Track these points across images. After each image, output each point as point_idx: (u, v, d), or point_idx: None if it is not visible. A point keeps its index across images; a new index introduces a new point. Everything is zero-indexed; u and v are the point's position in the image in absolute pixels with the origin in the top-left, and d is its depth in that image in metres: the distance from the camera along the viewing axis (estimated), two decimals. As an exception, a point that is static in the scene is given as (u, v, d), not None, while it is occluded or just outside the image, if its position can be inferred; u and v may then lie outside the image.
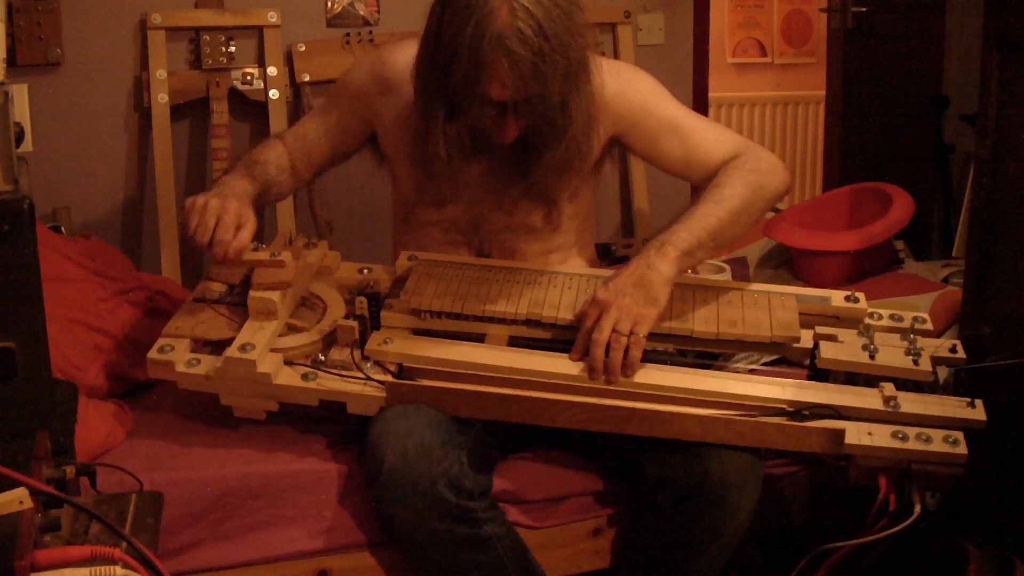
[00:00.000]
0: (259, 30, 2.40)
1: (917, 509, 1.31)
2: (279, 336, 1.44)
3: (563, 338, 1.46)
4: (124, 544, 0.97)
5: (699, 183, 1.58)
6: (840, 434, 1.32)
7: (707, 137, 1.57)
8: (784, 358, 1.63)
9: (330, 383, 1.38)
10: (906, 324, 1.54)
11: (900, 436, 1.31)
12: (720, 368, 1.52)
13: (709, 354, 1.53)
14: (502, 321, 1.47)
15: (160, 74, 2.30)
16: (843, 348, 1.45)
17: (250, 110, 2.43)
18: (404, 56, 1.53)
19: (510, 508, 1.45)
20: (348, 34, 2.47)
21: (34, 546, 0.90)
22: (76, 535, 0.99)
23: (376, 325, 1.48)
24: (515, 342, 1.46)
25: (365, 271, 1.62)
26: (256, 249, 1.47)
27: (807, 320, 1.52)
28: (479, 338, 1.46)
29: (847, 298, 1.55)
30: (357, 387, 1.38)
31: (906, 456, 1.31)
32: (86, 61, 2.30)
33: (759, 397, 1.36)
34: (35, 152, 2.11)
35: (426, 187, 1.57)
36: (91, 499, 1.09)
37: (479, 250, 1.63)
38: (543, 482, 1.48)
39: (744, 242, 2.36)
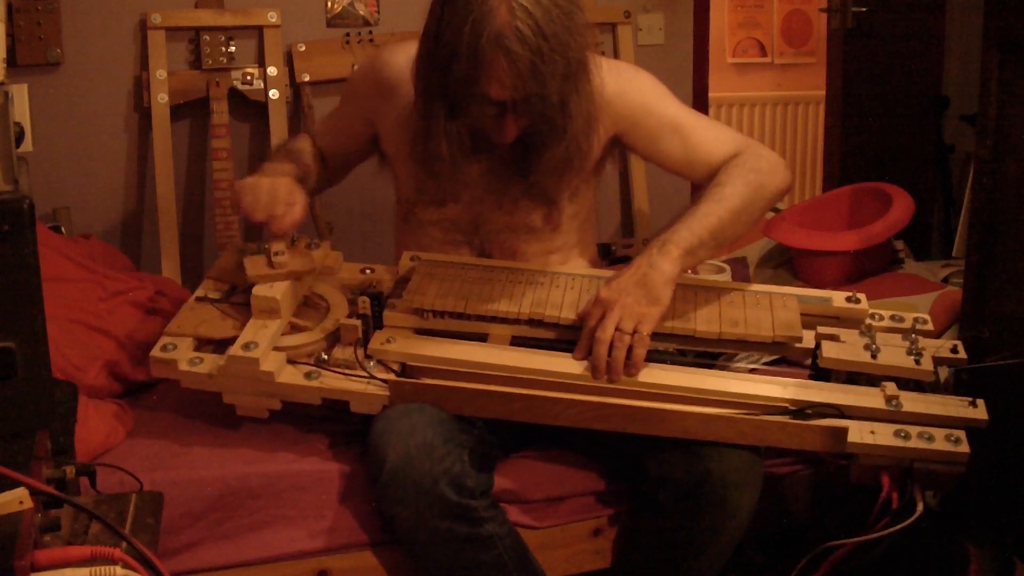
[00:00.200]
0: (259, 30, 2.40)
1: (920, 508, 1.31)
2: (282, 335, 1.44)
3: (566, 338, 1.46)
4: (124, 544, 0.97)
5: (700, 182, 1.58)
6: (843, 432, 1.32)
7: (708, 136, 1.57)
8: (783, 358, 1.63)
9: (333, 381, 1.38)
10: (907, 325, 1.54)
11: (903, 435, 1.32)
12: (721, 368, 1.52)
13: (709, 354, 1.53)
14: (505, 321, 1.47)
15: (160, 74, 2.30)
16: (845, 348, 1.45)
17: (250, 110, 2.43)
18: (404, 56, 1.53)
19: (511, 508, 1.45)
20: (348, 34, 2.47)
21: (34, 546, 0.90)
22: (76, 535, 0.99)
23: (379, 325, 1.48)
24: (517, 342, 1.46)
25: (367, 271, 1.62)
26: (259, 249, 1.49)
27: (808, 321, 1.52)
28: (481, 338, 1.46)
29: (848, 299, 1.55)
30: (360, 385, 1.38)
31: (909, 455, 1.31)
32: (86, 61, 2.29)
33: (761, 396, 1.36)
34: (35, 152, 2.11)
35: (426, 186, 1.58)
36: (91, 499, 1.09)
37: (480, 250, 1.63)
38: (544, 482, 1.48)
39: (744, 242, 2.36)
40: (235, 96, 2.39)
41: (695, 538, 1.37)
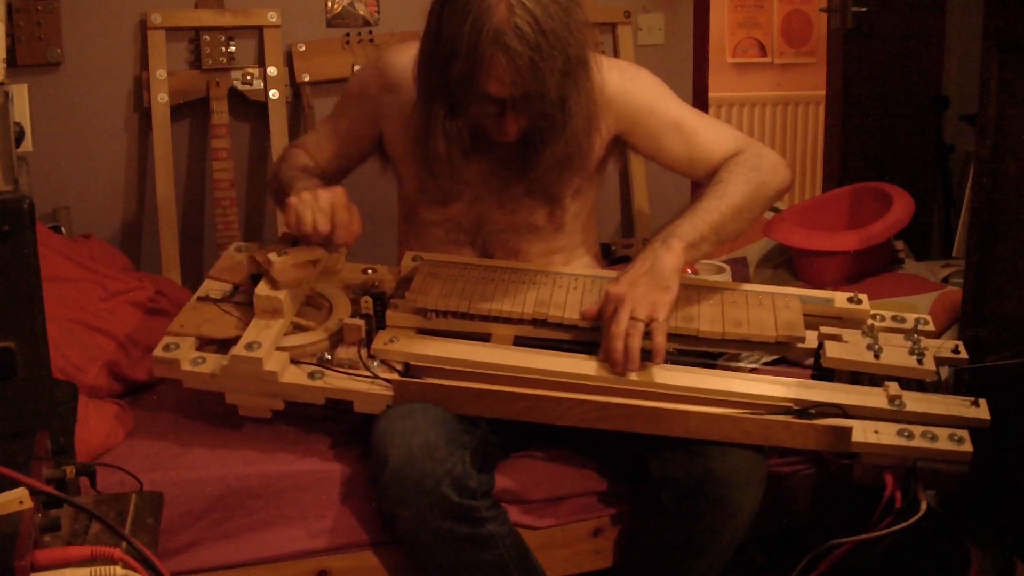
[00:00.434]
0: (259, 30, 2.40)
1: (923, 507, 1.31)
2: (285, 335, 1.43)
3: (569, 338, 1.46)
4: (124, 544, 0.97)
5: (701, 180, 1.58)
6: (847, 432, 1.32)
7: (710, 135, 1.57)
8: (783, 358, 1.63)
9: (337, 381, 1.38)
10: (909, 325, 1.54)
11: (906, 434, 1.32)
12: (723, 368, 1.52)
13: (710, 354, 1.53)
14: (508, 321, 1.47)
15: (160, 74, 2.30)
16: (848, 348, 1.45)
17: (250, 110, 2.43)
18: (406, 56, 1.53)
19: (511, 508, 1.45)
20: (348, 34, 2.47)
21: (34, 546, 0.90)
22: (76, 535, 0.99)
23: (381, 325, 1.47)
24: (520, 342, 1.46)
25: (370, 271, 1.62)
26: (261, 248, 1.49)
27: (810, 321, 1.52)
28: (484, 338, 1.46)
29: (850, 299, 1.55)
30: (364, 385, 1.38)
31: (912, 454, 1.31)
32: (86, 61, 2.29)
33: (765, 396, 1.36)
34: (35, 152, 2.11)
35: (428, 186, 1.58)
36: (91, 499, 1.08)
37: (482, 250, 1.63)
38: (544, 482, 1.48)
39: (744, 242, 2.36)
40: (235, 96, 2.39)
41: (696, 538, 1.37)
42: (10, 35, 2.19)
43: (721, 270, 1.95)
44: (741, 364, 1.64)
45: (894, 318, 1.55)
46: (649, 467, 1.38)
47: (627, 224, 2.82)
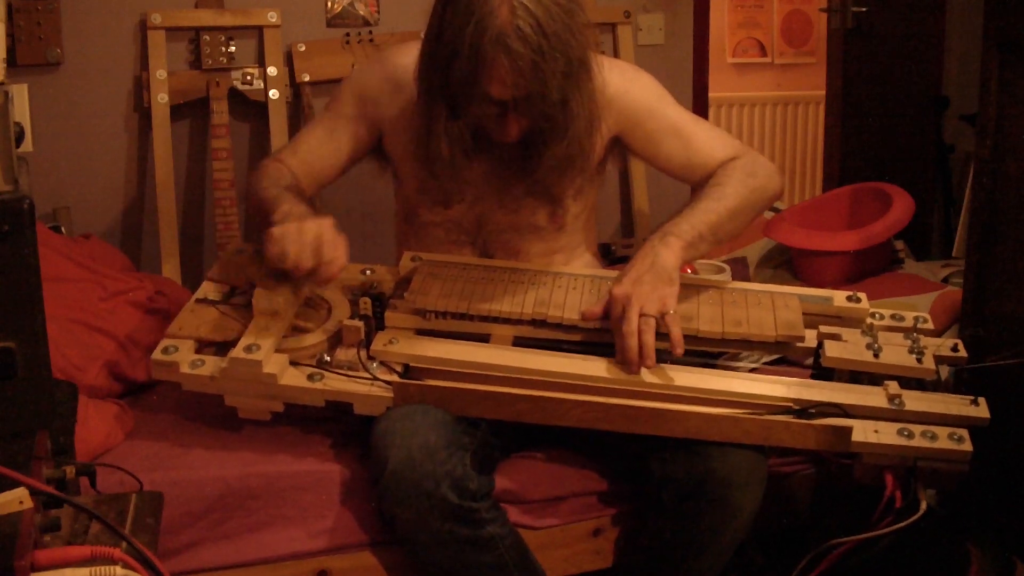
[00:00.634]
0: (259, 30, 2.40)
1: (923, 507, 1.31)
2: (284, 337, 1.43)
3: (568, 338, 1.46)
4: (124, 544, 0.97)
5: (696, 184, 1.59)
6: (847, 431, 1.32)
7: (707, 140, 1.59)
8: (783, 358, 1.63)
9: (336, 383, 1.38)
10: (908, 324, 1.54)
11: (906, 433, 1.32)
12: (722, 368, 1.52)
13: (710, 354, 1.53)
14: (507, 321, 1.47)
15: (160, 74, 2.30)
16: (848, 347, 1.45)
17: (250, 110, 2.43)
18: (407, 57, 1.52)
19: (511, 508, 1.44)
20: (348, 34, 2.47)
21: (34, 546, 0.90)
22: (76, 535, 0.99)
23: (380, 326, 1.47)
24: (520, 342, 1.46)
25: (368, 272, 1.62)
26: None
27: (810, 320, 1.52)
28: (484, 338, 1.46)
29: (849, 298, 1.56)
30: (364, 387, 1.38)
31: (912, 453, 1.31)
32: (86, 61, 2.29)
33: (765, 396, 1.36)
34: (35, 152, 2.11)
35: (430, 187, 1.57)
36: (91, 499, 1.08)
37: (482, 250, 1.63)
38: (544, 482, 1.48)
39: (744, 242, 2.36)
40: (235, 96, 2.39)
41: (697, 538, 1.37)
42: (10, 35, 2.19)
43: (721, 270, 1.95)
44: (741, 364, 1.64)
45: (893, 316, 1.56)
46: (650, 467, 1.38)
47: (627, 224, 2.82)
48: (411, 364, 1.41)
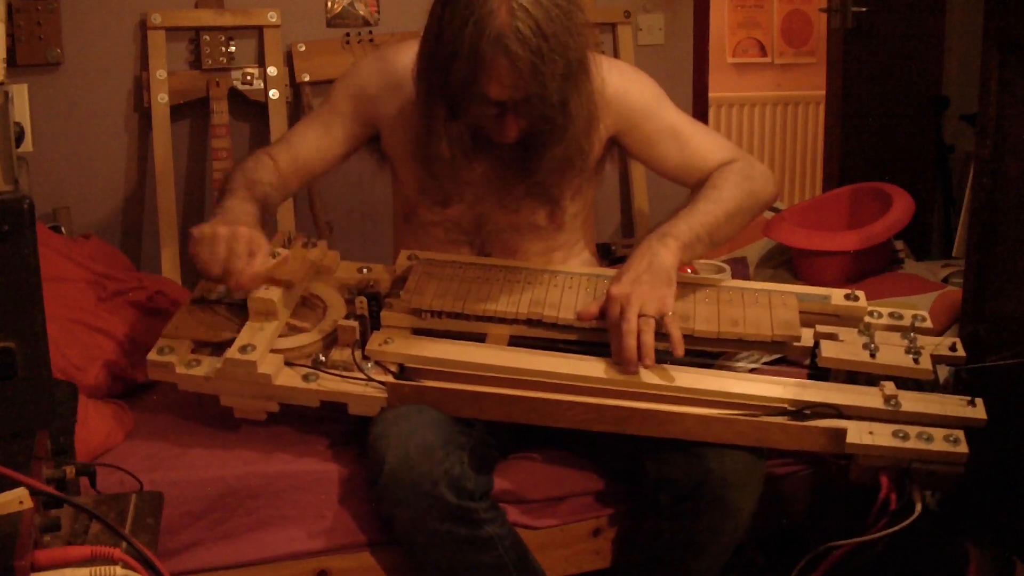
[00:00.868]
0: (259, 30, 2.40)
1: (918, 508, 1.31)
2: (279, 337, 1.43)
3: (564, 338, 1.46)
4: (124, 544, 0.97)
5: (692, 187, 1.60)
6: (842, 433, 1.32)
7: (704, 143, 1.59)
8: (784, 357, 1.63)
9: (331, 384, 1.38)
10: (906, 323, 1.54)
11: (901, 435, 1.31)
12: (721, 368, 1.52)
13: (709, 353, 1.53)
14: (503, 321, 1.47)
15: (160, 74, 2.30)
16: (844, 347, 1.45)
17: (250, 110, 2.43)
18: (406, 56, 1.52)
19: (510, 508, 1.45)
20: (348, 34, 2.47)
21: (34, 546, 0.90)
22: (76, 535, 0.99)
23: (376, 325, 1.47)
24: (515, 342, 1.46)
25: (365, 271, 1.62)
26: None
27: (807, 319, 1.52)
28: (480, 338, 1.46)
29: (847, 297, 1.55)
30: (358, 388, 1.38)
31: (907, 455, 1.31)
32: (86, 61, 2.30)
33: (760, 396, 1.36)
34: (35, 152, 2.11)
35: (429, 187, 1.57)
36: (91, 499, 1.08)
37: (481, 249, 1.63)
38: (543, 482, 1.48)
39: (744, 242, 2.36)
40: (235, 96, 2.39)
41: (695, 539, 1.37)
42: (10, 35, 2.19)
43: (721, 269, 1.95)
44: (740, 364, 1.64)
45: (892, 315, 1.55)
46: (646, 468, 1.38)
47: (627, 224, 2.82)
48: (406, 364, 1.41)
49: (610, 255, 2.59)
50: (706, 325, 1.44)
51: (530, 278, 1.53)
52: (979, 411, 1.35)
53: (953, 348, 1.48)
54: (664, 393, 1.36)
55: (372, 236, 2.50)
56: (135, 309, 1.70)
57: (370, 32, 2.49)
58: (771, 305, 1.49)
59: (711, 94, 2.98)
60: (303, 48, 2.43)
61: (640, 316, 1.35)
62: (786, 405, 1.35)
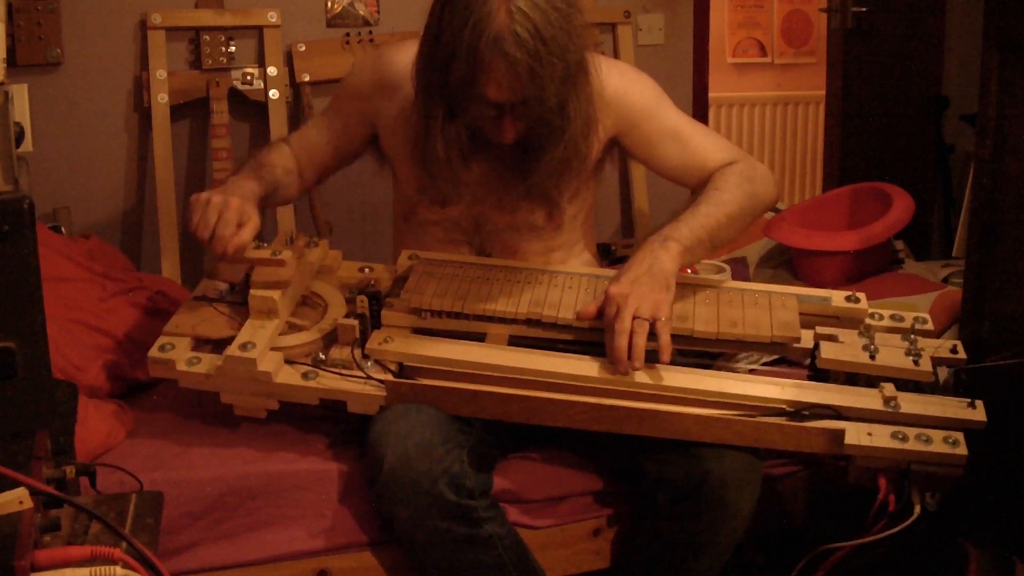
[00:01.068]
0: (259, 30, 2.40)
1: (917, 510, 1.31)
2: (280, 335, 1.44)
3: (563, 338, 1.46)
4: (124, 544, 0.97)
5: (693, 188, 1.60)
6: (840, 434, 1.32)
7: (705, 144, 1.59)
8: (784, 358, 1.63)
9: (330, 382, 1.38)
10: (907, 324, 1.54)
11: (900, 437, 1.31)
12: (720, 368, 1.52)
13: (709, 354, 1.53)
14: (503, 320, 1.47)
15: (160, 74, 2.30)
16: (844, 348, 1.45)
17: (250, 110, 2.43)
18: (405, 56, 1.53)
19: (510, 508, 1.45)
20: (348, 34, 2.47)
21: (34, 546, 0.90)
22: (76, 535, 0.99)
23: (377, 324, 1.48)
24: (515, 342, 1.46)
25: (366, 270, 1.62)
26: (258, 248, 1.48)
27: (807, 320, 1.52)
28: (479, 337, 1.46)
29: (848, 298, 1.55)
30: (357, 386, 1.38)
31: (906, 457, 1.31)
32: (86, 61, 2.30)
33: (759, 397, 1.36)
34: (35, 152, 2.11)
35: (427, 186, 1.57)
36: (91, 499, 1.09)
37: (480, 249, 1.63)
38: (543, 482, 1.48)
39: (744, 242, 2.36)
40: (235, 96, 2.39)
41: (694, 539, 1.37)
42: (10, 35, 2.19)
43: (721, 270, 1.95)
44: (740, 364, 1.64)
45: (892, 317, 1.55)
46: (645, 468, 1.38)
47: (627, 224, 2.82)
48: (405, 363, 1.41)
49: (610, 255, 2.59)
50: (706, 326, 1.44)
51: (530, 278, 1.53)
52: (979, 413, 1.35)
53: (954, 350, 1.48)
54: (663, 393, 1.36)
55: (372, 236, 2.50)
56: (135, 309, 1.70)
57: (370, 32, 2.49)
58: (771, 306, 1.49)
59: (711, 94, 2.98)
60: (303, 48, 2.43)
61: (635, 318, 1.35)
62: (784, 406, 1.35)
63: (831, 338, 1.48)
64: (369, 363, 1.40)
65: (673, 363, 1.42)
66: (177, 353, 1.41)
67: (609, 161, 1.66)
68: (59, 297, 1.56)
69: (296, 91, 2.45)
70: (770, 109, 4.06)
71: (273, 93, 2.40)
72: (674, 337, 1.44)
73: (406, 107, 1.54)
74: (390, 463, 1.30)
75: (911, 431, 1.32)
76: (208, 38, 2.34)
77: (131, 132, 2.38)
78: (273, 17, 2.39)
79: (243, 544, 1.40)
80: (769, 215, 2.27)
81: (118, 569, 0.91)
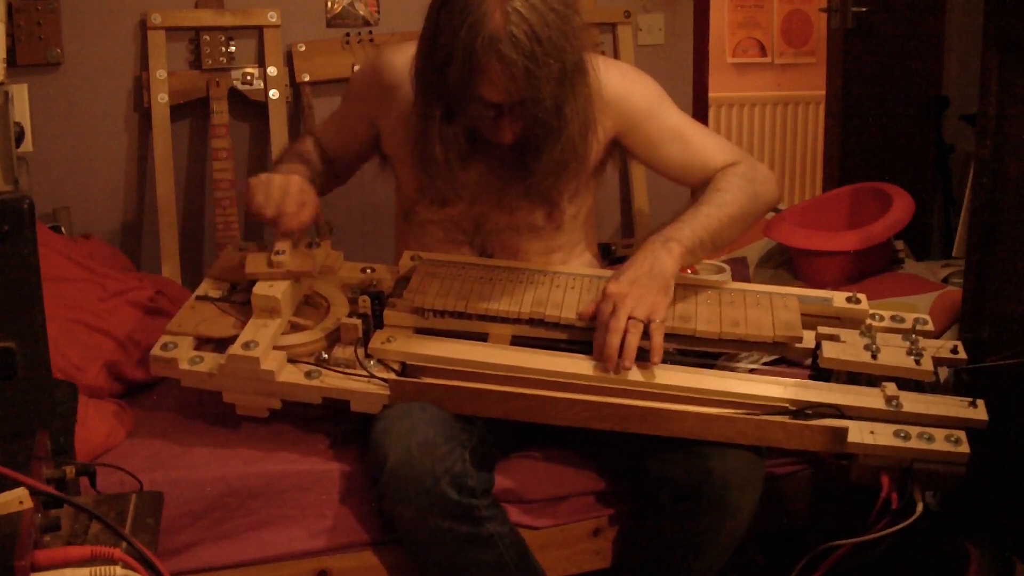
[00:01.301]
0: (259, 30, 2.40)
1: (919, 508, 1.31)
2: (282, 334, 1.44)
3: (566, 337, 1.46)
4: (124, 544, 0.97)
5: (694, 188, 1.60)
6: (843, 433, 1.32)
7: (707, 144, 1.59)
8: (784, 358, 1.63)
9: (333, 381, 1.38)
10: (907, 325, 1.54)
11: (902, 435, 1.32)
12: (722, 368, 1.52)
13: (710, 354, 1.53)
14: (505, 320, 1.47)
15: (160, 74, 2.30)
16: (846, 348, 1.45)
17: (250, 110, 2.43)
18: (405, 57, 1.53)
19: (511, 507, 1.45)
20: (348, 34, 2.47)
21: (34, 546, 0.90)
22: (76, 535, 0.99)
23: (379, 324, 1.48)
24: (517, 342, 1.46)
25: (368, 270, 1.62)
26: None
27: (809, 321, 1.52)
28: (482, 337, 1.46)
29: (849, 299, 1.56)
30: (360, 384, 1.38)
31: (909, 455, 1.31)
32: (86, 61, 2.30)
33: (761, 396, 1.37)
34: (35, 152, 2.11)
35: (427, 186, 1.58)
36: (91, 499, 1.08)
37: (481, 249, 1.63)
38: (544, 482, 1.48)
39: (744, 242, 2.36)
40: (235, 96, 2.39)
41: (696, 538, 1.37)
42: (10, 35, 2.19)
43: (721, 270, 1.95)
44: (740, 364, 1.64)
45: (893, 318, 1.56)
46: (647, 467, 1.38)
47: (627, 224, 2.82)
48: (408, 362, 1.42)
49: (610, 255, 2.59)
50: (707, 326, 1.44)
51: (532, 278, 1.53)
52: (980, 412, 1.35)
53: (955, 351, 1.48)
54: (665, 392, 1.36)
55: (373, 236, 2.50)
56: (135, 309, 1.70)
57: (370, 32, 2.49)
58: (772, 307, 1.50)
59: (711, 94, 2.98)
60: (303, 48, 2.43)
61: (630, 318, 1.35)
62: (787, 405, 1.35)
63: (833, 338, 1.48)
64: (372, 362, 1.41)
65: (675, 363, 1.43)
66: (180, 352, 1.41)
67: (610, 162, 1.66)
68: (59, 297, 1.56)
69: (296, 91, 2.45)
70: (770, 109, 4.06)
71: (273, 93, 2.40)
72: (676, 337, 1.44)
73: (406, 108, 1.54)
74: (392, 462, 1.30)
75: (913, 430, 1.32)
76: (208, 38, 2.34)
77: (131, 132, 2.38)
78: (273, 17, 2.39)
79: (243, 544, 1.40)
80: (769, 215, 2.27)
81: (118, 569, 0.91)
